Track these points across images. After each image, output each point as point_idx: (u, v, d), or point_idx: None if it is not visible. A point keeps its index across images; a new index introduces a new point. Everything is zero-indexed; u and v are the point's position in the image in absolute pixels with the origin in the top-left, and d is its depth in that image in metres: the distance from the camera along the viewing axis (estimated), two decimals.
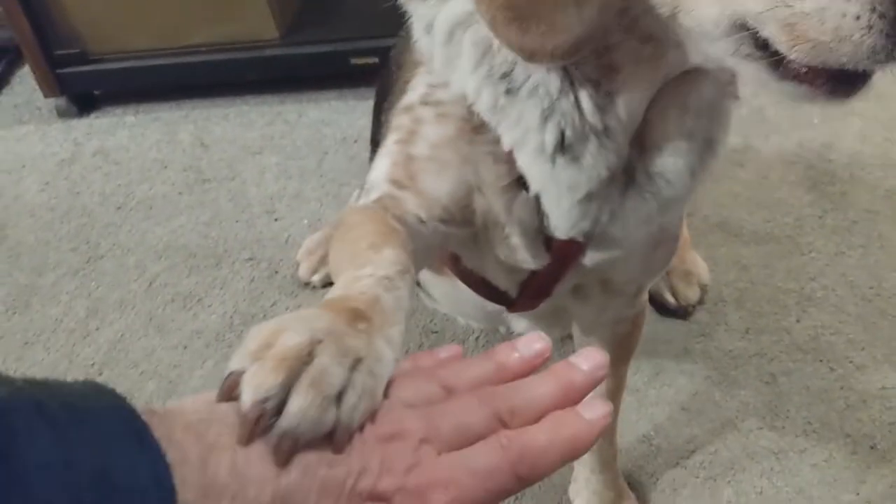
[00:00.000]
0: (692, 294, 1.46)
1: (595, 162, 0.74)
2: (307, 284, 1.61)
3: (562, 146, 0.73)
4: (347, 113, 2.05)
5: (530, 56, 0.66)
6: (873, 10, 0.54)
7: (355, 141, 1.96)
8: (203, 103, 2.13)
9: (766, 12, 0.58)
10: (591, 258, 0.83)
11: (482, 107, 0.74)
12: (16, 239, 1.82)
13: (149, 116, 2.12)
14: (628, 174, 0.78)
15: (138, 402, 0.42)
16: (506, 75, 0.72)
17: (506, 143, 0.75)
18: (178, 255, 1.72)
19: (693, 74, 0.73)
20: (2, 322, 1.63)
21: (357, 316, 0.51)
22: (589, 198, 0.76)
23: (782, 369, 1.36)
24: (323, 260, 1.60)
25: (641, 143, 0.77)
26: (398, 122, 0.82)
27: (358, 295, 0.55)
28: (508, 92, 0.72)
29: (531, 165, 0.75)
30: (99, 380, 0.43)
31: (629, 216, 0.80)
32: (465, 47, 0.72)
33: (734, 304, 1.47)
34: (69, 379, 0.44)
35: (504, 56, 0.71)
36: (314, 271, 1.60)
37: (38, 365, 1.54)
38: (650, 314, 1.45)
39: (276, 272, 1.66)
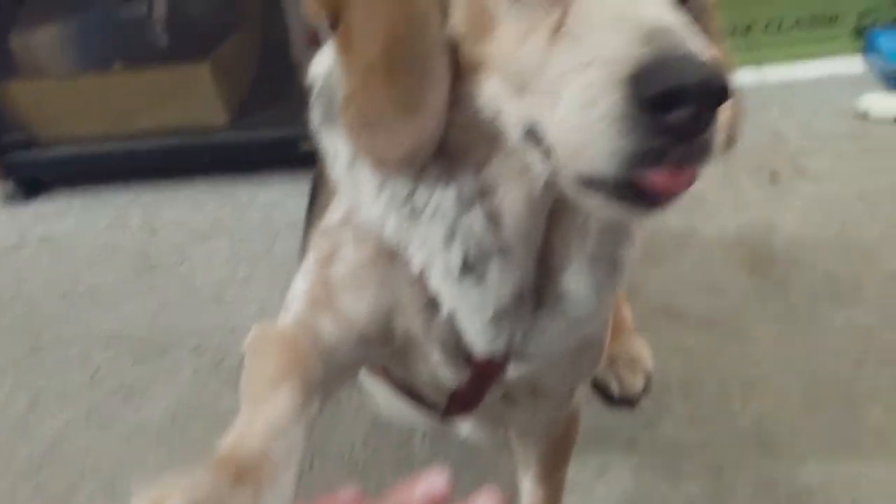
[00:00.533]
0: (637, 382, 1.46)
1: (499, 282, 0.75)
2: None
3: (467, 266, 0.75)
4: (298, 196, 2.04)
5: (380, 162, 0.71)
6: (613, 113, 0.54)
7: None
8: (153, 186, 2.13)
9: (544, 118, 0.60)
10: (513, 371, 0.84)
11: (389, 231, 0.75)
12: None
13: (97, 200, 2.10)
14: (538, 294, 0.80)
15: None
16: (407, 199, 0.74)
17: (415, 266, 0.76)
18: (123, 344, 1.70)
19: None
20: None
21: (243, 473, 0.52)
22: (499, 317, 0.77)
23: (727, 460, 1.36)
24: None
25: (547, 265, 0.79)
26: (318, 242, 0.82)
27: (247, 447, 0.56)
28: (411, 216, 0.74)
29: (442, 286, 0.76)
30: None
31: (542, 335, 0.81)
32: (367, 174, 0.74)
33: (680, 392, 1.48)
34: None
35: (404, 182, 0.73)
36: None
37: None
38: (596, 406, 1.46)
39: (222, 361, 1.64)
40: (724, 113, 0.57)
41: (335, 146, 0.77)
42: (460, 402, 0.90)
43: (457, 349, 0.81)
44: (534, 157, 0.65)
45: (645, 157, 0.55)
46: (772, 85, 2.24)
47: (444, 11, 0.67)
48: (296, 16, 2.05)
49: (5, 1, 2.00)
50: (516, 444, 1.09)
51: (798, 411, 1.42)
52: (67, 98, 2.01)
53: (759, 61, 2.31)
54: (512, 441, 1.10)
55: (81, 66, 2.05)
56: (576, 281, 0.79)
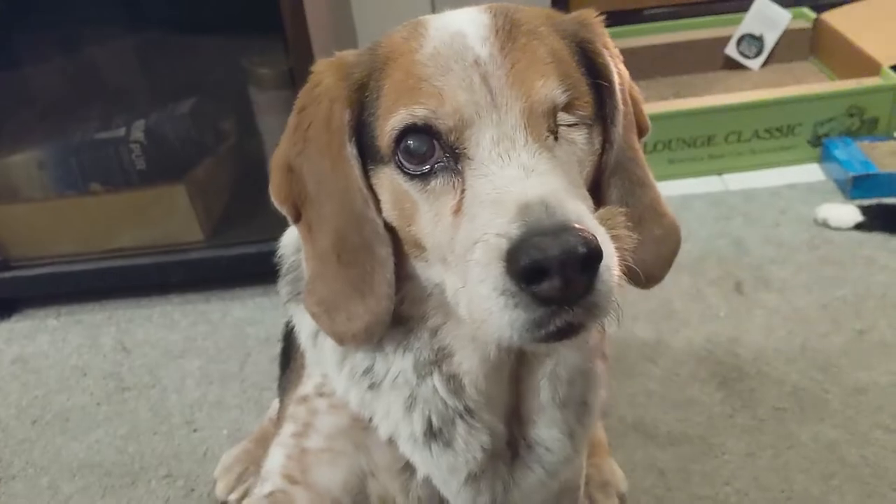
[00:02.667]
0: None
1: (467, 445, 0.78)
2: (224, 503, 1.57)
3: (431, 432, 0.77)
4: (272, 310, 2.07)
5: (341, 339, 0.76)
6: (499, 288, 0.59)
7: (279, 340, 1.96)
8: (127, 303, 2.13)
9: (459, 291, 0.66)
10: None
11: (353, 403, 0.78)
12: None
13: (71, 319, 2.11)
14: (512, 447, 0.82)
15: None
16: (367, 371, 0.78)
17: (382, 434, 0.79)
18: (93, 473, 1.67)
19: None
20: None
21: None
22: (475, 477, 0.79)
23: None
24: (240, 477, 1.57)
25: (518, 417, 0.81)
26: (294, 411, 0.85)
27: None
28: (371, 387, 0.78)
29: (412, 452, 0.79)
30: None
31: (521, 485, 0.83)
32: (327, 350, 0.78)
33: None
34: None
35: (363, 354, 0.77)
36: (231, 490, 1.57)
37: None
38: None
39: (193, 490, 1.62)
40: (611, 271, 0.61)
41: (300, 320, 0.81)
42: None
43: None
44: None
45: (535, 325, 0.59)
46: (734, 193, 2.31)
47: (377, 207, 0.74)
48: (270, 135, 2.11)
49: None
50: None
51: None
52: (44, 220, 2.03)
53: (720, 170, 2.39)
54: None
55: (59, 188, 2.08)
56: (547, 430, 0.82)
